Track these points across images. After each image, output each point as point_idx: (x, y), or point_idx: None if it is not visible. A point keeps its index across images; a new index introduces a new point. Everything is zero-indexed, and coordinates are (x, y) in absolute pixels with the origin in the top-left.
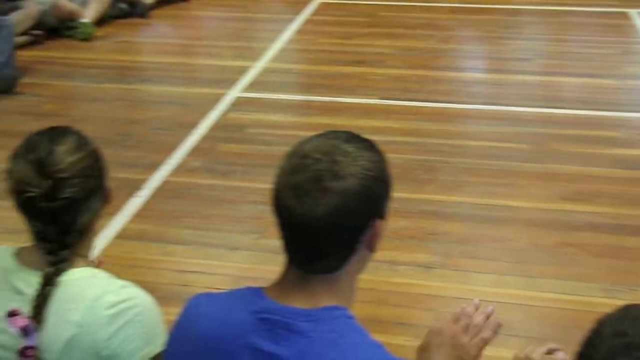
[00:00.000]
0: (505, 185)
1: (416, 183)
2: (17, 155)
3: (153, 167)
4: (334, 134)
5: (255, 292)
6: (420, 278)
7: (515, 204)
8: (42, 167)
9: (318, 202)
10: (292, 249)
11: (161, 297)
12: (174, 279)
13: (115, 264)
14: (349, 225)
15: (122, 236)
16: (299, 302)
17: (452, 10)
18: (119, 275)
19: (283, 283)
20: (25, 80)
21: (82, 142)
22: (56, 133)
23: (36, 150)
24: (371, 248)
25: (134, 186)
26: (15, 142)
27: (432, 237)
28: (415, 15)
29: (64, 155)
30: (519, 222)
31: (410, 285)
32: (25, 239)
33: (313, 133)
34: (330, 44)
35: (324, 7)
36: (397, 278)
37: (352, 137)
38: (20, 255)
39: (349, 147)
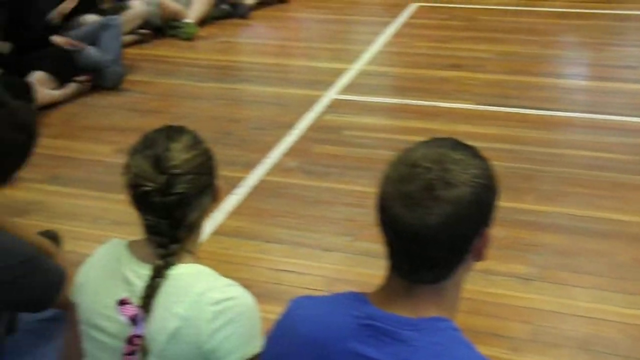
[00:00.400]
0: (608, 197)
1: (514, 192)
2: (136, 151)
3: (250, 165)
4: (439, 142)
5: (359, 298)
6: (518, 290)
7: (618, 217)
8: (159, 163)
9: (430, 211)
10: (399, 258)
11: (256, 294)
12: (268, 277)
13: (211, 260)
14: (460, 234)
15: (219, 232)
16: (403, 311)
17: (556, 15)
18: (215, 270)
19: (387, 290)
20: (132, 77)
21: (196, 141)
22: (173, 131)
23: (154, 146)
24: (479, 257)
25: (232, 184)
26: (121, 138)
27: (531, 248)
28: (516, 20)
29: (180, 153)
30: (623, 237)
31: (507, 297)
32: (129, 231)
33: (409, 137)
34: (427, 48)
35: (421, 10)
36: (494, 288)
37: (458, 145)
38: (132, 247)
39: (458, 155)
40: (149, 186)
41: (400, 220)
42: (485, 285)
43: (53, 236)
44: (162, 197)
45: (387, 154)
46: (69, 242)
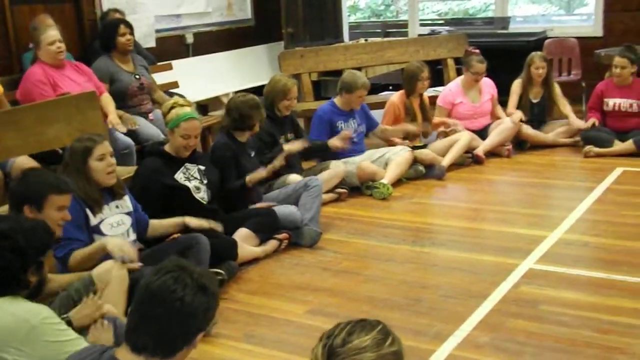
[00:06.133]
0: None
1: None
2: (321, 337)
3: (440, 337)
4: None
5: None
6: None
7: None
8: (330, 356)
9: None
10: None
11: None
12: None
13: None
14: None
15: None
16: None
17: None
18: None
19: None
20: (327, 235)
21: (383, 340)
22: (361, 326)
23: (335, 337)
24: None
25: (420, 356)
26: (314, 297)
27: None
28: None
29: (356, 351)
30: None
31: None
32: None
33: (615, 317)
34: (636, 217)
35: (627, 175)
36: None
37: None
38: None
39: None
40: None
41: None
42: None
43: None
44: None
45: (591, 336)
46: None
